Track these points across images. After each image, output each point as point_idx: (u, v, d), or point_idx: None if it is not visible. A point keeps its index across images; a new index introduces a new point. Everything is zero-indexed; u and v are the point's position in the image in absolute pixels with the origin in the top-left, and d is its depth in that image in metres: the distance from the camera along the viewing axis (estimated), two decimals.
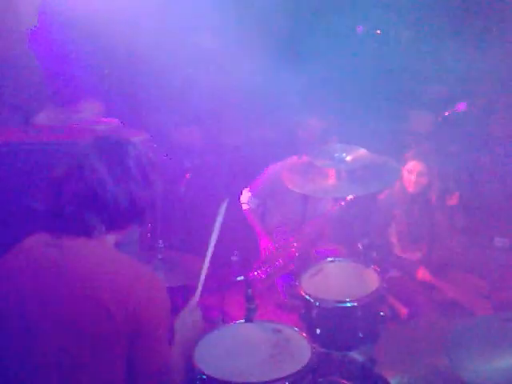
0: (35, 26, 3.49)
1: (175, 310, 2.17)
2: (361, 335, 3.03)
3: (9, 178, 2.78)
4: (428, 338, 2.54)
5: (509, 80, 5.43)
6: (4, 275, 1.92)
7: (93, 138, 1.98)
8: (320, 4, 6.00)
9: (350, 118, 4.68)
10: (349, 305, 3.05)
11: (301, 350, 2.74)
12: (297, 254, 4.13)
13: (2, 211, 2.75)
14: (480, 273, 4.17)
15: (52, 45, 4.35)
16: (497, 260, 4.28)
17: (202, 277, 2.53)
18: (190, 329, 2.30)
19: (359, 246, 3.34)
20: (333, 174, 3.20)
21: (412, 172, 4.07)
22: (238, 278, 2.91)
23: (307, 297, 3.13)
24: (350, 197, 3.83)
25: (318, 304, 3.09)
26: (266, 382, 2.51)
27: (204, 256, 2.58)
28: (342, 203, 3.97)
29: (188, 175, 3.73)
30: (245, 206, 4.49)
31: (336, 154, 3.19)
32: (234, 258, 3.90)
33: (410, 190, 4.13)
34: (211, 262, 3.29)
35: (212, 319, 3.67)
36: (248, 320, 2.90)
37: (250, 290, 2.87)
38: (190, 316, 2.33)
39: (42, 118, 3.35)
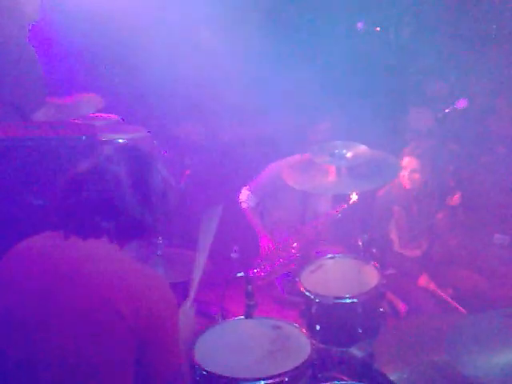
0: (36, 21, 3.48)
1: None
2: (360, 331, 3.04)
3: (10, 175, 2.78)
4: (427, 334, 2.53)
5: (509, 78, 5.42)
6: (11, 274, 1.91)
7: (122, 145, 1.97)
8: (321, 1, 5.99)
9: (349, 115, 4.68)
10: (348, 301, 3.06)
11: (300, 346, 2.75)
12: (298, 255, 4.13)
13: (3, 208, 2.74)
14: (480, 270, 4.17)
15: (52, 41, 4.35)
16: (496, 257, 4.29)
17: (196, 279, 2.52)
18: (184, 330, 2.29)
19: (359, 242, 3.34)
20: (333, 170, 3.20)
21: (406, 168, 4.08)
22: (238, 275, 2.91)
23: (307, 293, 3.14)
24: (353, 200, 3.83)
25: (317, 300, 3.10)
26: (266, 377, 2.52)
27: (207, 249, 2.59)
28: (345, 206, 3.96)
29: (188, 172, 3.73)
30: (244, 204, 4.48)
31: (336, 151, 3.19)
32: (233, 255, 3.90)
33: (406, 186, 4.14)
34: (211, 258, 3.30)
35: (212, 315, 3.67)
36: (248, 316, 2.91)
37: (250, 287, 2.87)
38: (183, 317, 2.32)
39: (40, 114, 3.34)
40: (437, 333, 2.51)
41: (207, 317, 3.80)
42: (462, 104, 4.33)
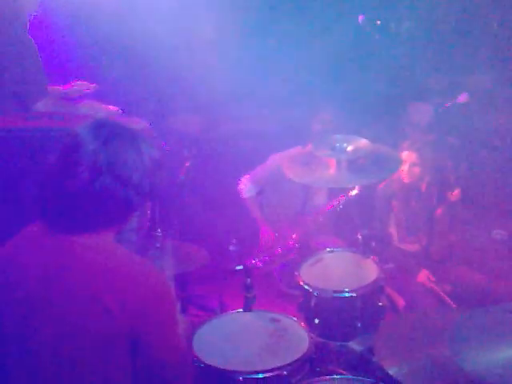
0: (36, 12, 3.46)
1: None
2: (359, 325, 3.04)
3: (8, 164, 2.76)
4: (427, 329, 2.53)
5: (509, 72, 5.41)
6: (2, 266, 1.90)
7: (97, 121, 1.91)
8: None
9: (349, 109, 4.66)
10: (347, 295, 3.06)
11: (299, 339, 2.75)
12: (296, 246, 4.12)
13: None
14: (478, 265, 4.17)
15: (51, 32, 4.33)
16: (495, 252, 4.28)
17: None
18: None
19: (358, 236, 3.33)
20: (333, 164, 3.18)
21: (405, 162, 4.07)
22: (237, 267, 2.90)
23: (306, 286, 3.14)
24: (354, 192, 3.82)
25: (316, 294, 3.10)
26: (264, 370, 2.52)
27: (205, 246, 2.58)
28: (344, 198, 3.95)
29: (187, 164, 3.72)
30: (244, 195, 4.48)
31: (337, 144, 3.18)
32: (231, 248, 3.89)
33: (405, 180, 4.13)
34: (209, 251, 3.29)
35: (210, 308, 3.68)
36: (246, 309, 2.91)
37: (249, 280, 2.87)
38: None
39: (40, 105, 3.32)
40: (436, 327, 2.51)
41: (206, 310, 3.80)
42: (463, 98, 4.33)
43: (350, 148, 3.18)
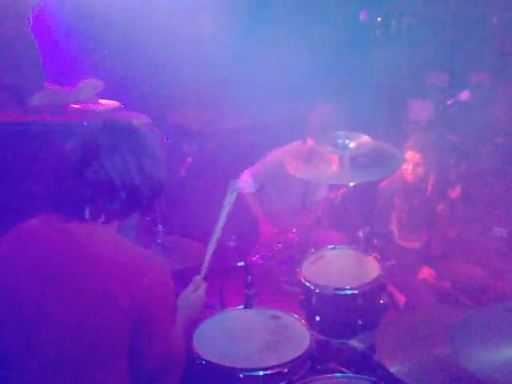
0: (39, 8, 3.44)
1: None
2: (360, 323, 3.03)
3: (10, 159, 2.75)
4: (428, 327, 2.52)
5: (509, 69, 5.40)
6: (8, 257, 1.90)
7: (107, 123, 1.94)
8: None
9: (349, 105, 4.65)
10: (349, 292, 3.05)
11: (300, 336, 2.75)
12: (296, 239, 4.11)
13: (2, 192, 2.72)
14: (479, 263, 4.16)
15: (51, 26, 4.30)
16: (496, 250, 4.28)
17: (209, 254, 2.51)
18: (192, 307, 2.32)
19: (360, 233, 3.32)
20: (336, 160, 3.17)
21: (409, 162, 4.06)
22: (239, 264, 2.88)
23: (307, 283, 3.13)
24: (350, 184, 3.81)
25: (317, 291, 3.08)
26: (265, 368, 2.51)
27: (206, 242, 2.57)
28: (342, 191, 3.94)
29: (189, 159, 3.70)
30: (244, 190, 4.45)
31: (339, 141, 3.16)
32: (231, 243, 3.89)
33: (408, 179, 4.13)
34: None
35: (211, 305, 3.66)
36: (247, 306, 2.89)
37: (249, 276, 2.86)
38: (194, 293, 2.32)
39: (38, 98, 3.31)
40: (438, 326, 2.50)
41: (206, 306, 3.78)
42: (464, 96, 4.31)
43: (352, 145, 3.16)
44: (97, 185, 1.83)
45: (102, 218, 1.86)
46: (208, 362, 2.52)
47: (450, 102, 4.51)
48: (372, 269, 3.19)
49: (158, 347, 1.90)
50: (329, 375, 2.62)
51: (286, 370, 2.53)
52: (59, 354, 1.81)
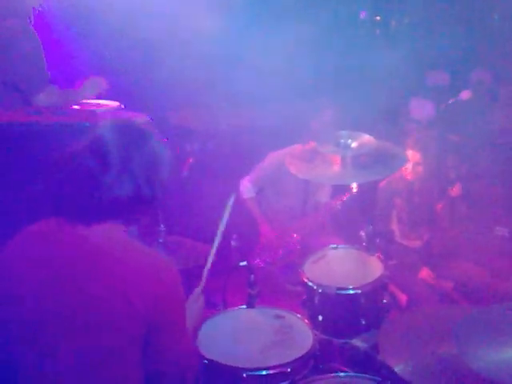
0: (42, 6, 3.44)
1: None
2: (363, 322, 3.03)
3: (12, 160, 2.75)
4: (432, 326, 2.52)
5: (510, 69, 5.40)
6: (16, 261, 1.89)
7: (114, 124, 1.93)
8: None
9: (350, 105, 4.65)
10: (351, 292, 3.04)
11: (303, 336, 2.75)
12: (298, 247, 4.10)
13: (5, 193, 2.72)
14: (480, 262, 4.16)
15: (56, 26, 4.30)
16: (497, 249, 4.28)
17: (208, 265, 2.51)
18: (194, 316, 2.29)
19: (362, 233, 3.32)
20: (338, 160, 3.17)
21: (409, 161, 4.05)
22: (241, 264, 2.88)
23: (309, 283, 3.12)
24: (353, 190, 3.80)
25: (320, 290, 3.08)
26: (268, 367, 2.51)
27: (208, 241, 2.57)
28: (345, 198, 3.93)
29: (190, 160, 3.70)
30: (244, 194, 4.45)
31: (341, 141, 3.16)
32: (233, 243, 3.88)
33: (408, 178, 4.13)
34: (211, 247, 3.27)
35: (214, 304, 3.65)
36: (250, 305, 2.89)
37: (252, 276, 2.86)
38: (194, 303, 2.32)
39: (41, 98, 3.31)
40: (441, 325, 2.50)
41: (209, 306, 3.78)
42: (465, 95, 4.32)
43: (354, 144, 3.16)
44: (106, 188, 1.81)
45: (106, 221, 1.85)
46: (211, 362, 2.52)
47: (451, 101, 4.51)
48: (375, 268, 3.19)
49: (173, 349, 1.90)
50: (332, 375, 2.63)
51: (288, 370, 2.53)
52: (71, 359, 1.80)
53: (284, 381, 2.52)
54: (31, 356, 1.84)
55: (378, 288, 3.08)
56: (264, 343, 2.69)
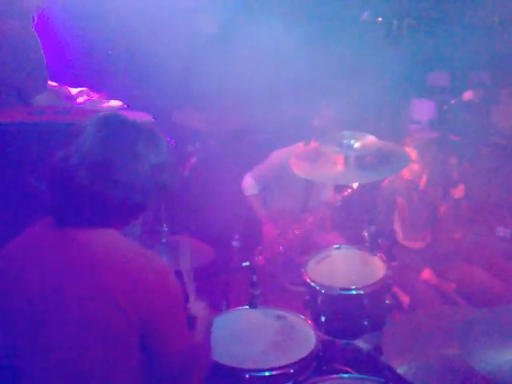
0: (43, 8, 3.43)
1: None
2: (366, 323, 3.03)
3: (14, 159, 2.74)
4: (435, 328, 2.51)
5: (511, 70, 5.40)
6: (10, 263, 1.87)
7: (100, 119, 1.86)
8: None
9: (351, 105, 4.64)
10: (354, 292, 3.04)
11: (305, 337, 2.74)
12: (299, 243, 4.10)
13: (8, 192, 2.71)
14: (482, 263, 4.15)
15: (57, 28, 4.30)
16: (498, 250, 4.27)
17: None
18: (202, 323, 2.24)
19: (364, 233, 3.31)
20: (341, 160, 3.16)
21: (411, 161, 4.04)
22: (244, 264, 2.88)
23: (312, 284, 3.12)
24: (354, 186, 3.80)
25: (323, 291, 3.08)
26: (271, 368, 2.51)
27: (211, 241, 2.56)
28: (346, 193, 3.92)
29: (193, 159, 3.69)
30: (247, 192, 4.45)
31: (344, 141, 3.16)
32: (234, 243, 3.87)
33: (405, 176, 4.12)
34: (213, 247, 3.27)
35: (216, 305, 3.65)
36: (252, 306, 2.89)
37: (254, 276, 2.85)
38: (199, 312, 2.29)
39: (41, 98, 3.30)
40: (444, 327, 2.50)
41: (211, 306, 3.77)
42: (467, 96, 4.31)
43: (357, 145, 3.16)
44: (86, 192, 1.77)
45: (99, 224, 1.81)
46: (214, 363, 2.51)
47: (453, 102, 4.50)
48: (377, 269, 3.18)
49: (172, 352, 1.86)
50: (335, 376, 2.62)
51: (291, 371, 2.53)
52: (64, 363, 1.79)
53: (287, 382, 2.53)
54: (24, 355, 1.84)
55: (381, 289, 3.08)
56: (266, 344, 2.69)
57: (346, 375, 2.63)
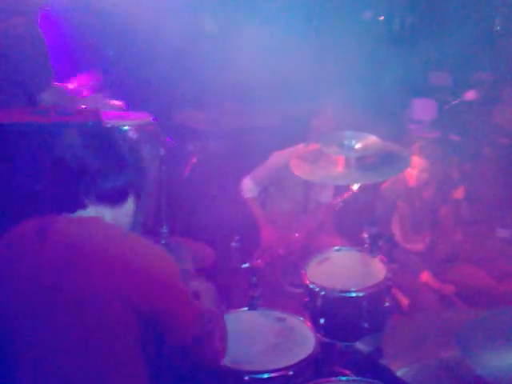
0: (47, 6, 3.43)
1: None
2: (366, 325, 3.01)
3: (15, 160, 2.74)
4: (435, 330, 2.50)
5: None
6: (9, 257, 1.89)
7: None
8: None
9: (352, 105, 4.63)
10: (354, 295, 3.03)
11: (305, 339, 2.73)
12: (299, 247, 4.08)
13: (7, 193, 2.71)
14: (482, 264, 4.14)
15: (61, 26, 4.30)
16: (499, 251, 4.26)
17: None
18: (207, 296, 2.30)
19: (364, 235, 3.30)
20: (342, 161, 3.15)
21: (414, 167, 4.01)
22: (243, 266, 2.87)
23: (312, 285, 3.11)
24: (354, 189, 3.77)
25: (322, 293, 3.06)
26: (270, 370, 2.50)
27: (211, 242, 2.56)
28: (345, 196, 3.91)
29: (193, 159, 3.68)
30: (246, 194, 4.42)
31: (345, 142, 3.15)
32: (234, 244, 3.85)
33: (411, 183, 4.09)
34: (212, 248, 3.27)
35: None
36: (252, 308, 2.88)
37: (254, 278, 2.85)
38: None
39: (45, 97, 3.30)
40: (445, 329, 2.48)
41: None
42: (470, 95, 4.29)
43: (358, 145, 3.15)
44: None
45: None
46: None
47: (455, 102, 4.49)
48: (377, 271, 3.17)
49: (180, 336, 1.93)
50: (334, 378, 2.61)
51: (291, 373, 2.51)
52: (67, 352, 1.81)
53: None
54: (28, 351, 1.84)
55: (381, 291, 3.07)
56: (266, 346, 2.68)
57: (345, 378, 2.62)
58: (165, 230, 3.16)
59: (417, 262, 4.06)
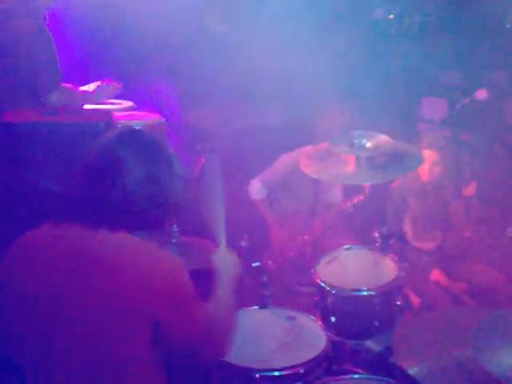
0: (55, 5, 3.45)
1: None
2: (377, 324, 3.01)
3: (27, 160, 2.75)
4: (446, 329, 2.50)
5: None
6: (22, 260, 1.89)
7: (127, 132, 1.93)
8: None
9: (362, 104, 4.63)
10: (365, 293, 3.03)
11: (315, 337, 2.73)
12: (309, 249, 4.07)
13: (20, 193, 2.72)
14: (493, 263, 4.13)
15: (68, 25, 4.32)
16: (510, 250, 4.24)
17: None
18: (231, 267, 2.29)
19: (376, 234, 3.29)
20: (352, 160, 3.15)
21: (426, 161, 4.01)
22: (254, 265, 2.88)
23: (323, 284, 3.10)
24: (366, 191, 3.76)
25: (333, 292, 3.06)
26: (281, 368, 2.50)
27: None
28: (355, 201, 3.89)
29: (203, 160, 3.68)
30: (254, 196, 4.41)
31: (355, 141, 3.14)
32: (243, 243, 3.86)
33: (424, 179, 4.08)
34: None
35: None
36: (262, 306, 2.89)
37: (265, 276, 2.85)
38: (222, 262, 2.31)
39: (53, 98, 3.31)
40: (455, 327, 2.48)
41: None
42: (481, 95, 4.27)
43: (369, 144, 3.14)
44: (116, 198, 1.83)
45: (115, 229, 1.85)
46: (223, 362, 2.51)
47: (466, 101, 4.47)
48: (388, 270, 3.16)
49: (186, 340, 1.92)
50: (345, 376, 2.61)
51: (302, 371, 2.52)
52: (76, 356, 1.81)
53: (297, 382, 2.52)
54: (33, 352, 1.85)
55: (392, 289, 3.06)
56: (277, 344, 2.68)
57: (356, 376, 2.62)
58: (175, 229, 3.18)
59: (427, 260, 4.05)
